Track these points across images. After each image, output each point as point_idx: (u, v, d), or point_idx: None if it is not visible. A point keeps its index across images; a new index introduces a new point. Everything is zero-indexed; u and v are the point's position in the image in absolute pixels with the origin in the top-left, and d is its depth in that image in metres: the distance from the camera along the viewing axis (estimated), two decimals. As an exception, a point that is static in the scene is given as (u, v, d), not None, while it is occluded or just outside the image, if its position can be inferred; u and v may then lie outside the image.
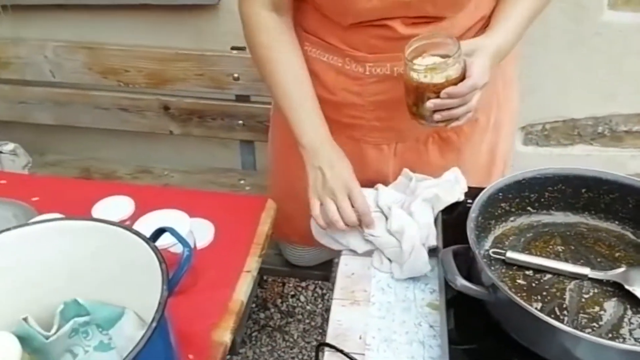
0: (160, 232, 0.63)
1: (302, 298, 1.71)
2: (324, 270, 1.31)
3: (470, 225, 0.66)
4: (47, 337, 0.65)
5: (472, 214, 0.68)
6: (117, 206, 0.87)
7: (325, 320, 1.65)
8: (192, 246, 0.71)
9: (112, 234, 0.61)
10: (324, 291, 1.73)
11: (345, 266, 0.80)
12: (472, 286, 0.61)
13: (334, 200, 0.82)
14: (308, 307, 1.68)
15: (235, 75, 1.41)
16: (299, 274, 1.39)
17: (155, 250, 0.57)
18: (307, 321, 1.64)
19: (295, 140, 0.88)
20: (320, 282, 1.74)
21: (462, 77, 0.75)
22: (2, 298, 0.63)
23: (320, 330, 1.62)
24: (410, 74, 0.76)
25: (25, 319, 0.64)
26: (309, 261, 1.26)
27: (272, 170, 1.15)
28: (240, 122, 1.48)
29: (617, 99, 1.51)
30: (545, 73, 1.44)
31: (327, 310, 1.68)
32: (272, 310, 1.67)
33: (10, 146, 1.58)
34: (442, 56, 0.75)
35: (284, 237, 1.19)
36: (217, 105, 1.48)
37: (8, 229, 0.61)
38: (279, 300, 1.69)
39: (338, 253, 1.61)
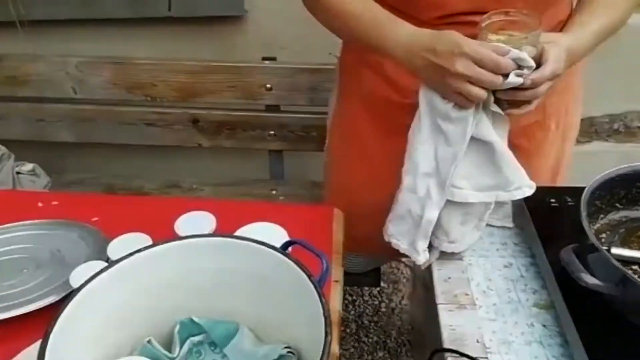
0: (287, 245, 0.63)
1: (333, 306, 1.70)
2: (373, 276, 1.31)
3: (586, 224, 0.68)
4: (173, 359, 0.63)
5: (583, 213, 0.69)
6: (199, 222, 0.85)
7: (360, 326, 1.65)
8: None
9: (245, 250, 0.60)
10: (354, 297, 1.73)
11: (439, 271, 0.80)
12: (601, 283, 0.63)
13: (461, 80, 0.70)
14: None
15: (268, 85, 1.40)
16: (348, 281, 1.38)
17: (303, 267, 0.56)
18: (341, 329, 1.64)
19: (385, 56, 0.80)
20: (348, 288, 1.73)
21: (536, 61, 0.71)
22: (126, 321, 0.61)
23: (357, 337, 1.62)
24: None
25: (149, 341, 0.63)
26: (361, 268, 1.26)
27: (330, 178, 1.14)
28: (272, 132, 1.47)
29: (633, 97, 1.58)
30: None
31: (360, 316, 1.69)
32: (305, 320, 1.65)
33: (28, 166, 1.52)
34: None
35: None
36: (248, 117, 1.47)
37: (138, 251, 0.59)
38: (310, 310, 1.68)
39: (388, 259, 1.61)
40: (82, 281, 0.72)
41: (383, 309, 1.72)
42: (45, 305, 0.75)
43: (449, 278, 0.79)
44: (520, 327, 0.71)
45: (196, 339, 0.67)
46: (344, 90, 1.05)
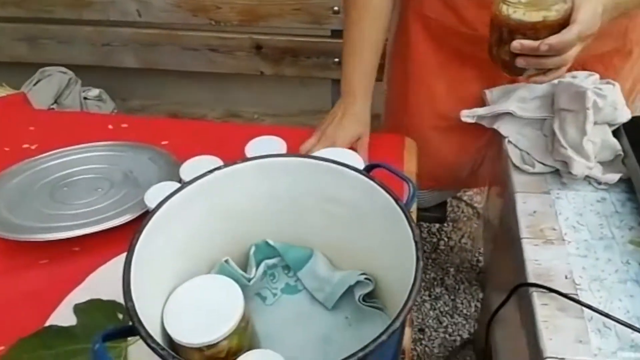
0: (368, 169, 0.59)
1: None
2: (439, 211, 1.28)
3: None
4: (249, 280, 0.63)
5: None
6: (270, 146, 0.82)
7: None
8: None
9: (325, 172, 0.57)
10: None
11: (524, 204, 0.75)
12: None
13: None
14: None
15: (335, 8, 1.33)
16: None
17: (389, 191, 0.52)
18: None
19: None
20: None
21: (564, 21, 0.63)
22: (204, 240, 0.60)
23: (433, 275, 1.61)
24: (500, 6, 0.65)
25: (226, 261, 0.62)
26: (426, 202, 1.23)
27: (390, 107, 1.10)
28: (336, 60, 1.41)
29: None
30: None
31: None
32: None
33: (95, 92, 1.55)
34: None
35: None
36: (312, 43, 1.41)
37: (217, 169, 0.57)
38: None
39: (453, 193, 1.56)
40: (157, 201, 0.72)
41: (442, 247, 1.69)
42: (122, 223, 0.76)
43: (535, 212, 0.74)
44: (614, 265, 0.66)
45: (270, 261, 0.66)
46: (406, 14, 0.97)
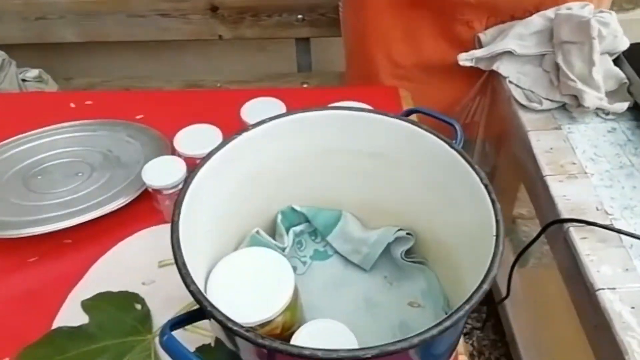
0: (406, 114, 0.55)
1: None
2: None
3: None
4: (283, 249, 0.58)
5: None
6: (268, 108, 0.76)
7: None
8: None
9: (364, 124, 0.52)
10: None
11: (538, 142, 0.74)
12: None
13: None
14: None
15: (296, -41, 1.25)
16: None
17: (441, 137, 0.48)
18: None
19: None
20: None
21: None
22: (233, 213, 0.54)
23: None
24: None
25: (257, 232, 0.57)
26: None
27: (349, 59, 1.06)
28: (300, 16, 1.34)
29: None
30: None
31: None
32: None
33: (34, 72, 1.39)
34: None
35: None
36: (273, -1, 1.33)
37: (245, 130, 0.51)
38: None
39: None
40: (158, 178, 0.65)
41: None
42: (118, 207, 0.68)
43: (551, 148, 0.73)
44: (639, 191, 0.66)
45: (298, 228, 0.61)
46: None
